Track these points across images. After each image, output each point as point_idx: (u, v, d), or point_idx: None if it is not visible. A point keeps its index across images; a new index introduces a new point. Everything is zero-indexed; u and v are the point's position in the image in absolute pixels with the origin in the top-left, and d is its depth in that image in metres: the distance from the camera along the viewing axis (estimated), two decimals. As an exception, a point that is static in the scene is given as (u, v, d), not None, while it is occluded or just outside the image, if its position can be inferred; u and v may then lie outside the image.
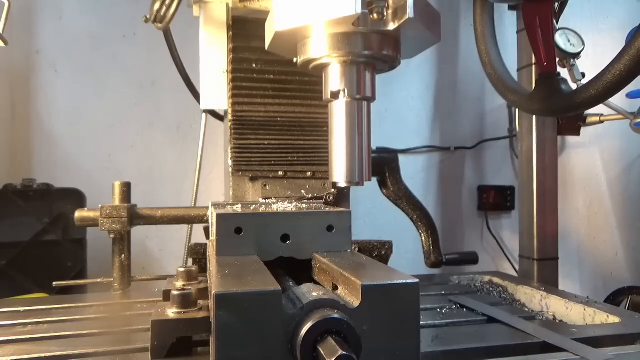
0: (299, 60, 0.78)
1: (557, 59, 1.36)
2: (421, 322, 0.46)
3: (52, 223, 1.45)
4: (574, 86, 1.40)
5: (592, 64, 1.35)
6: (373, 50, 0.73)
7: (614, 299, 1.81)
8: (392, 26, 0.70)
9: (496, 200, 1.96)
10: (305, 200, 0.77)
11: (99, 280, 0.93)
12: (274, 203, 0.71)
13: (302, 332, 0.41)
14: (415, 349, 0.46)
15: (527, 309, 0.84)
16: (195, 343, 0.56)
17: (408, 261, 0.83)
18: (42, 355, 0.58)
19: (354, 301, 0.45)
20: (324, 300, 0.43)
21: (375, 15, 0.68)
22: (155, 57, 1.63)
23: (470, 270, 1.02)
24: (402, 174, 1.19)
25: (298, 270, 0.59)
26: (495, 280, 0.96)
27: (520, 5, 1.49)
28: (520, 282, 0.92)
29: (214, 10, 1.02)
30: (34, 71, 1.61)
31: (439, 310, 0.78)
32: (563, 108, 1.04)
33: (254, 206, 0.68)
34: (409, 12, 0.67)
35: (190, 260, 0.95)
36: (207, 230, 0.92)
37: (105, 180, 1.11)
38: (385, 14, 0.69)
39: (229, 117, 0.99)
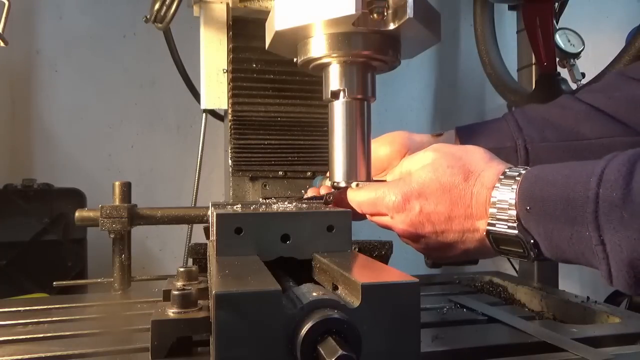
0: (299, 60, 0.78)
1: (557, 59, 1.36)
2: (421, 322, 0.46)
3: (52, 223, 1.45)
4: (574, 86, 1.40)
5: (592, 64, 1.35)
6: (373, 50, 0.73)
7: (614, 299, 1.81)
8: (392, 26, 0.70)
9: (496, 200, 1.95)
10: (305, 200, 0.77)
11: (99, 280, 0.93)
12: (274, 203, 0.71)
13: (302, 332, 0.41)
14: (415, 349, 0.46)
15: (527, 309, 0.84)
16: (195, 343, 0.56)
17: (408, 261, 0.83)
18: (42, 355, 0.58)
19: (354, 301, 0.45)
20: (324, 300, 0.43)
21: (375, 15, 0.69)
22: (155, 57, 1.63)
23: (470, 270, 1.02)
24: (402, 174, 1.18)
25: (298, 270, 0.59)
26: (495, 280, 0.96)
27: (520, 5, 1.50)
28: (520, 282, 0.92)
29: (214, 10, 1.02)
30: (34, 71, 1.61)
31: (439, 310, 0.78)
32: (563, 108, 1.03)
33: (254, 206, 0.68)
34: (409, 12, 0.67)
35: (190, 260, 0.95)
36: (207, 230, 0.92)
37: (105, 180, 1.11)
38: (385, 14, 0.69)
39: (229, 117, 0.99)
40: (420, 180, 0.65)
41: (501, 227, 0.59)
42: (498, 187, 0.59)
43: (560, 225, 0.53)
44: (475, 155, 0.65)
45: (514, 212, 0.57)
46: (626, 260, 0.48)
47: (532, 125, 0.83)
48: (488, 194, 0.60)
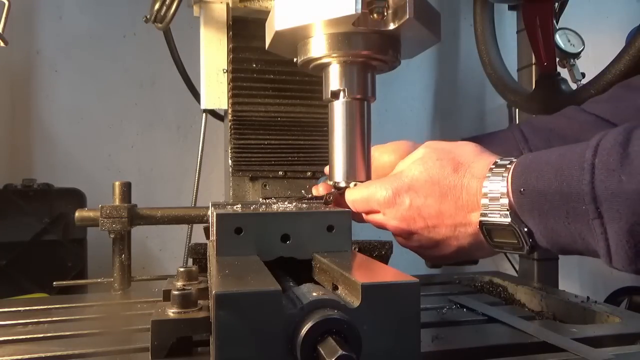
0: (299, 60, 0.78)
1: (557, 59, 1.36)
2: (421, 322, 0.46)
3: (52, 223, 1.45)
4: (574, 86, 1.40)
5: (592, 64, 1.35)
6: (373, 50, 0.73)
7: (614, 299, 1.81)
8: (392, 26, 0.70)
9: (496, 200, 1.95)
10: (305, 200, 0.77)
11: (99, 280, 0.93)
12: (274, 203, 0.71)
13: (302, 332, 0.41)
14: (415, 349, 0.46)
15: (527, 309, 0.84)
16: (195, 343, 0.56)
17: (408, 261, 0.83)
18: (42, 355, 0.58)
19: (354, 301, 0.45)
20: (324, 300, 0.43)
21: (375, 15, 0.69)
22: (155, 57, 1.63)
23: (470, 270, 1.02)
24: (402, 174, 1.18)
25: (298, 270, 0.59)
26: (495, 280, 0.96)
27: (520, 5, 1.50)
28: (520, 282, 0.92)
29: (214, 10, 1.02)
30: (34, 71, 1.61)
31: (438, 310, 0.78)
32: (563, 108, 1.04)
33: (254, 206, 0.68)
34: (409, 12, 0.67)
35: (190, 260, 0.95)
36: (207, 230, 0.92)
37: (105, 180, 1.11)
38: (385, 14, 0.69)
39: (229, 117, 0.99)
40: (410, 175, 0.65)
41: (494, 217, 0.58)
42: (489, 176, 0.59)
43: (556, 204, 0.52)
44: (465, 148, 0.65)
45: (506, 201, 0.57)
46: (625, 227, 0.47)
47: (538, 135, 0.83)
48: (479, 184, 0.60)
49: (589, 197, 0.49)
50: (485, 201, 0.59)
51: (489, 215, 0.58)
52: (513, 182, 0.56)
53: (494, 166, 0.59)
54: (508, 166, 0.58)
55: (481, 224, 0.60)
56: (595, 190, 0.48)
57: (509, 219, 0.56)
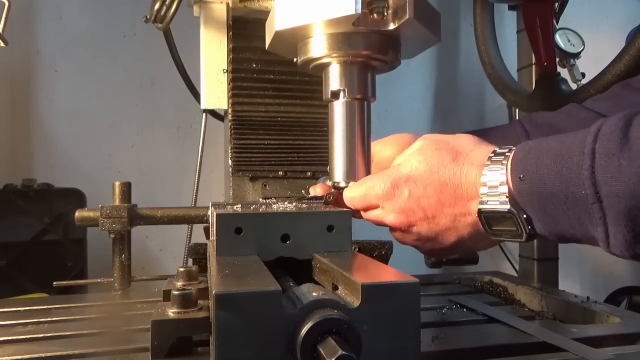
0: (299, 60, 0.78)
1: (557, 59, 1.36)
2: (421, 322, 0.46)
3: (52, 223, 1.45)
4: (574, 86, 1.40)
5: (592, 64, 1.35)
6: (373, 50, 0.73)
7: (614, 299, 1.81)
8: (392, 26, 0.70)
9: (496, 200, 1.95)
10: (305, 200, 0.77)
11: (99, 280, 0.93)
12: (274, 203, 0.71)
13: (302, 332, 0.42)
14: (415, 348, 0.46)
15: (527, 309, 0.84)
16: (195, 343, 0.56)
17: (408, 261, 0.83)
18: (42, 355, 0.58)
19: (354, 301, 0.45)
20: (324, 300, 0.43)
21: (375, 15, 0.69)
22: (155, 57, 1.63)
23: (470, 270, 1.02)
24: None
25: (298, 270, 0.59)
26: (495, 280, 0.96)
27: (520, 5, 1.50)
28: (520, 282, 0.92)
29: (214, 10, 1.02)
30: (34, 71, 1.61)
31: (438, 310, 0.78)
32: (563, 108, 1.04)
33: (254, 206, 0.68)
34: (409, 12, 0.67)
35: (190, 260, 0.95)
36: (207, 230, 0.92)
37: (105, 180, 1.11)
38: (385, 14, 0.69)
39: (229, 117, 0.99)
40: (408, 166, 0.65)
41: (493, 204, 0.58)
42: (488, 164, 0.59)
43: (555, 190, 0.52)
44: (463, 139, 0.65)
45: (505, 189, 0.57)
46: (624, 211, 0.47)
47: (539, 131, 0.84)
48: (478, 172, 0.60)
49: (588, 181, 0.49)
50: (484, 189, 0.59)
51: (488, 202, 0.58)
52: (512, 169, 0.57)
53: (492, 154, 0.60)
54: (507, 154, 0.58)
55: (480, 211, 0.59)
56: (595, 175, 0.49)
57: (508, 206, 0.56)
